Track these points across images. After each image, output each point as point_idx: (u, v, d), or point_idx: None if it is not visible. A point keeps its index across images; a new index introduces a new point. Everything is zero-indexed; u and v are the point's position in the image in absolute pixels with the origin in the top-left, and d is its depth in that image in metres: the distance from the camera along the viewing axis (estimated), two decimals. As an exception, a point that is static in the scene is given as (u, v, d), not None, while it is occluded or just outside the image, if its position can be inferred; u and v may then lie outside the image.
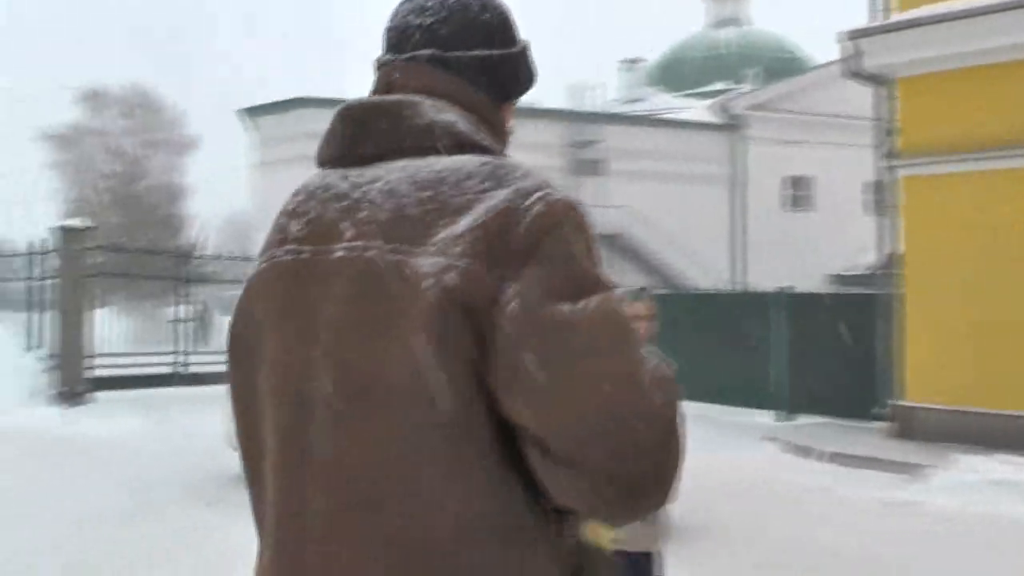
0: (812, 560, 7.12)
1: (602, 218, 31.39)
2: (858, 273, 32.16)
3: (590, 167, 32.02)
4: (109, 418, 13.70)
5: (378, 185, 1.31)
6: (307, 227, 1.35)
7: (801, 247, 32.51)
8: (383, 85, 1.45)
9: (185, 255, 19.67)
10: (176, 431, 12.97)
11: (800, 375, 14.73)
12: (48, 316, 15.73)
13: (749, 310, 16.03)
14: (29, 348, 15.95)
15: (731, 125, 34.39)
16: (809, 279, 27.14)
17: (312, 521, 1.25)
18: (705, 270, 30.34)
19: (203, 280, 20.31)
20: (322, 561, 1.25)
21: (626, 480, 1.18)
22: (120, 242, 22.20)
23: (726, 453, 11.15)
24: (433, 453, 1.20)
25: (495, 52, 1.45)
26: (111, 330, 17.11)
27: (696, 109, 35.71)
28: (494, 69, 1.45)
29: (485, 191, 1.27)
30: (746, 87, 36.54)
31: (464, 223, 1.24)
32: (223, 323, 19.91)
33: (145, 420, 13.74)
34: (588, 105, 32.81)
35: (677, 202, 32.34)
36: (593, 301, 1.20)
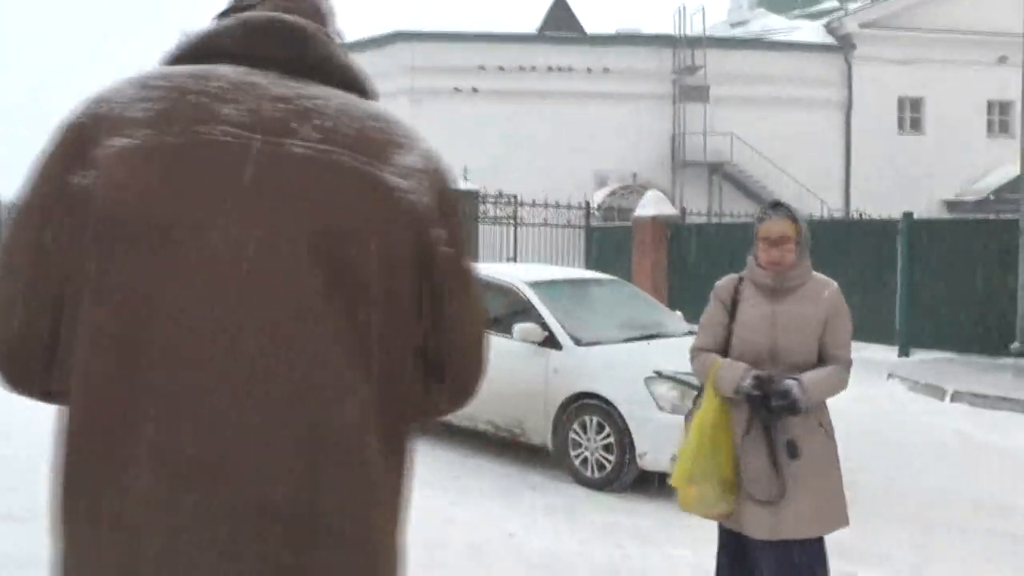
0: (964, 515, 6.33)
1: (707, 146, 30.30)
2: (976, 199, 30.52)
3: (694, 93, 30.72)
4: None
5: (333, 103, 1.39)
6: (249, 115, 1.34)
7: (913, 172, 30.86)
8: (292, 9, 1.48)
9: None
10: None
11: (922, 307, 13.73)
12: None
13: (866, 238, 14.98)
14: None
15: (840, 45, 32.54)
16: (922, 205, 25.80)
17: (236, 409, 1.25)
18: (813, 198, 29.03)
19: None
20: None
21: (465, 394, 1.57)
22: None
23: (851, 391, 10.06)
24: (374, 344, 1.33)
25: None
26: None
27: (804, 30, 33.88)
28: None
29: (410, 138, 1.45)
30: (856, 4, 34.48)
31: (411, 160, 1.41)
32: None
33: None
34: (692, 30, 31.38)
35: (784, 128, 30.85)
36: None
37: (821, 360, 3.66)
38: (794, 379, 3.53)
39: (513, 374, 7.48)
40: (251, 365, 1.24)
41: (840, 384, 3.73)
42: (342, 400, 1.29)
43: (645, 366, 6.91)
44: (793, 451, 3.56)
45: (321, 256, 1.28)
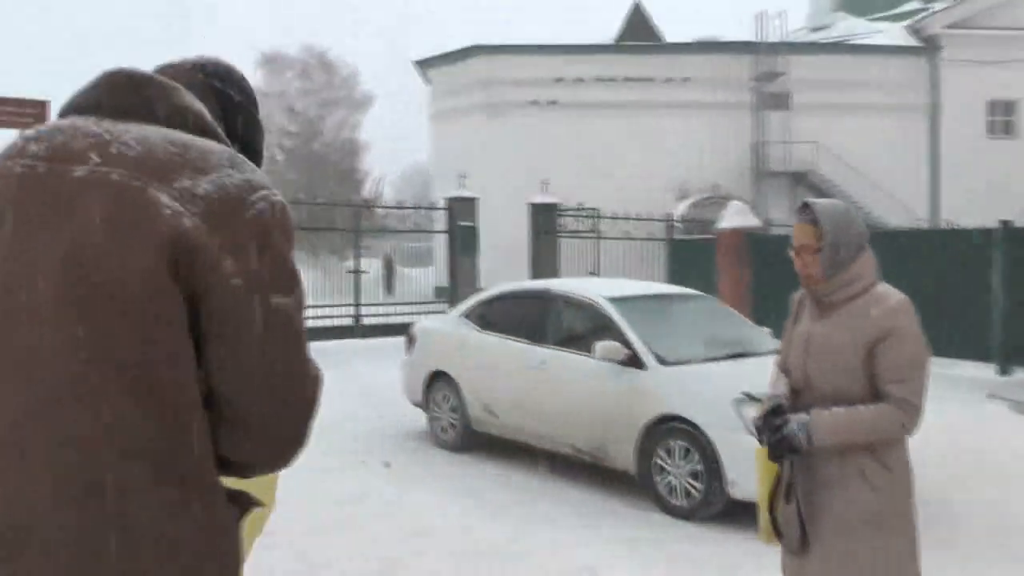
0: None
1: (790, 155, 29.60)
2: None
3: (775, 101, 30.09)
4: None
5: (132, 133, 1.44)
6: (49, 149, 1.41)
7: (1005, 178, 29.69)
8: (155, 70, 1.64)
9: (360, 206, 19.20)
10: (351, 384, 12.60)
11: (1023, 322, 12.99)
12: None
13: (959, 249, 14.13)
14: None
15: (925, 47, 31.59)
16: (1014, 213, 24.77)
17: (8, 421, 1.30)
18: (899, 206, 28.15)
19: (380, 231, 19.82)
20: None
21: (277, 443, 1.48)
22: (285, 193, 22.05)
23: (947, 415, 9.22)
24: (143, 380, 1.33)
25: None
26: None
27: (887, 33, 32.94)
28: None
29: (223, 167, 1.44)
30: (941, 4, 33.41)
31: (203, 186, 1.40)
32: (406, 274, 19.76)
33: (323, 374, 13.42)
34: (772, 35, 30.74)
35: (867, 134, 30.03)
36: (293, 298, 1.46)
37: (876, 395, 2.98)
38: (805, 414, 3.01)
39: (594, 394, 7.21)
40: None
41: (882, 428, 2.95)
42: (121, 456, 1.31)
43: (734, 387, 6.50)
44: (788, 495, 3.09)
45: (72, 281, 1.32)
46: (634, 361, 7.12)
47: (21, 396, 1.30)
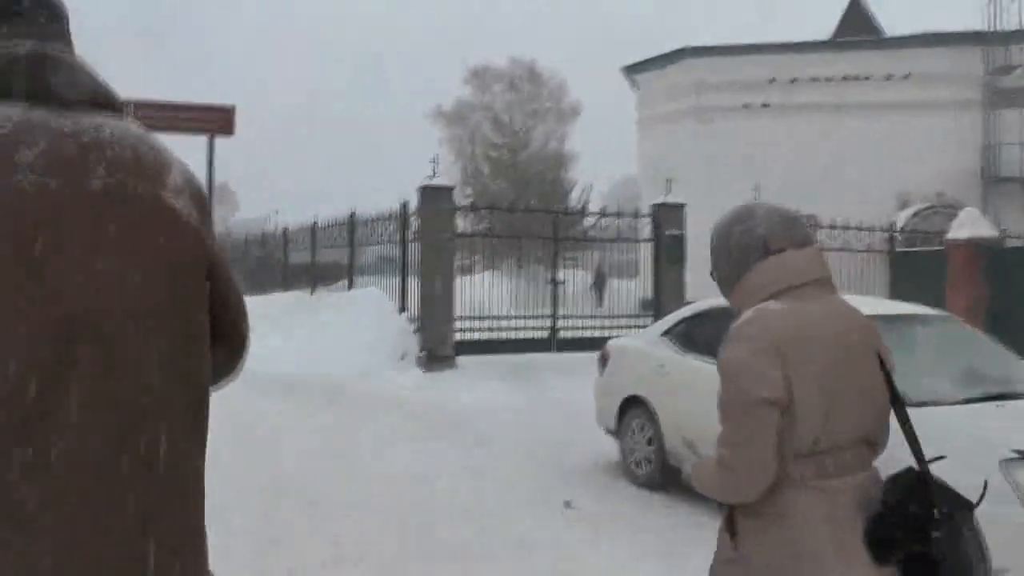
0: None
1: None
2: None
3: (1010, 98, 27.02)
4: (471, 384, 12.71)
5: (105, 132, 1.44)
6: (44, 159, 1.35)
7: None
8: (46, 38, 1.51)
9: (561, 213, 18.23)
10: (541, 402, 11.67)
11: None
12: (415, 279, 14.95)
13: None
14: (402, 310, 15.27)
15: None
16: None
17: (74, 434, 1.29)
18: None
19: (583, 240, 18.79)
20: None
21: (241, 350, 1.71)
22: (492, 202, 21.43)
23: None
24: (198, 356, 1.52)
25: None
26: (492, 294, 15.86)
27: None
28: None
29: (170, 155, 1.55)
30: None
31: (178, 180, 1.52)
32: (616, 287, 18.70)
33: (510, 387, 12.62)
34: (1007, 23, 27.71)
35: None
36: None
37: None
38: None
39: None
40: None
41: (707, 485, 2.48)
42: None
43: (1000, 441, 4.94)
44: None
45: (166, 291, 1.45)
46: (867, 399, 5.75)
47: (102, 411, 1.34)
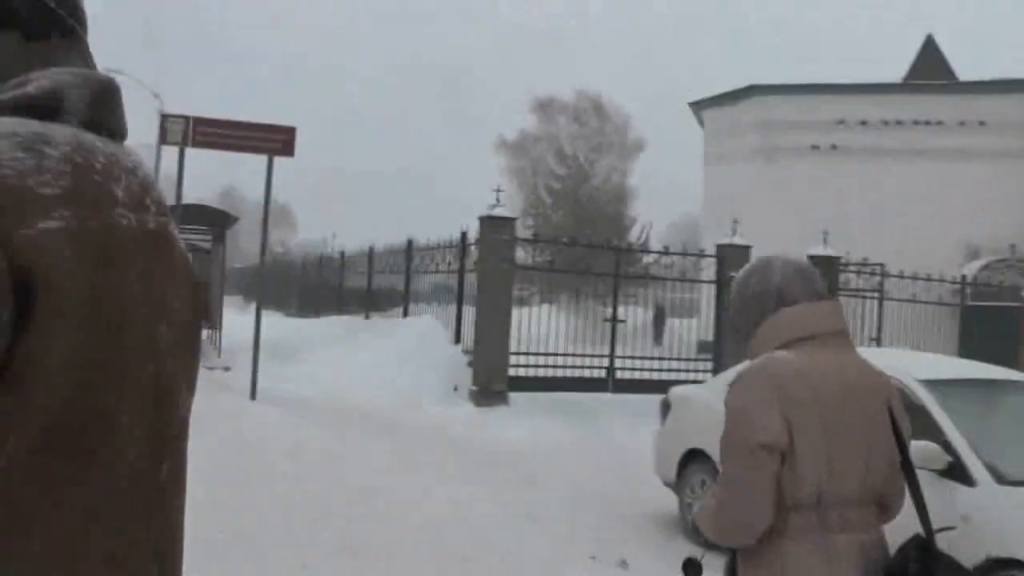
0: None
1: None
2: None
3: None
4: (523, 422, 12.23)
5: (144, 167, 1.39)
6: (126, 193, 1.32)
7: None
8: (88, 58, 1.46)
9: (622, 249, 17.72)
10: (596, 445, 11.18)
11: None
12: (472, 309, 14.49)
13: None
14: (455, 342, 14.87)
15: None
16: None
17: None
18: None
19: (643, 278, 18.23)
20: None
21: None
22: (551, 235, 21.06)
23: None
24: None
25: None
26: (549, 328, 15.04)
27: None
28: None
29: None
30: None
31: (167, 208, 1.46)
32: (674, 326, 18.13)
33: (563, 428, 12.13)
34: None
35: None
36: None
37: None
38: None
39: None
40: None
41: (706, 524, 2.52)
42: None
43: None
44: None
45: (190, 322, 1.41)
46: (958, 473, 5.21)
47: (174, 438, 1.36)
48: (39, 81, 1.34)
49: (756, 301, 2.56)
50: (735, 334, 2.69)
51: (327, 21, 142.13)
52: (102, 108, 1.38)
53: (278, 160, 11.33)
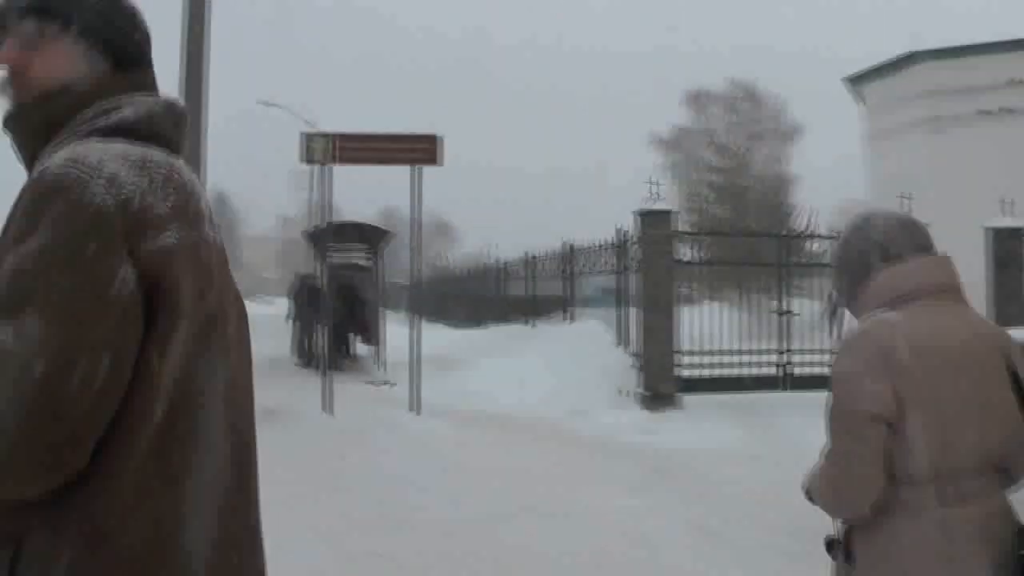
0: None
1: None
2: None
3: None
4: (694, 425, 11.48)
5: (195, 177, 1.53)
6: (207, 209, 1.50)
7: None
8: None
9: (787, 236, 16.65)
10: (775, 449, 10.35)
11: None
12: (636, 310, 13.77)
13: None
14: (618, 344, 14.21)
15: None
16: None
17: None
18: None
19: (815, 266, 17.06)
20: None
21: None
22: (713, 228, 20.18)
23: None
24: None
25: None
26: (716, 325, 14.22)
27: None
28: None
29: None
30: None
31: None
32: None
33: (738, 430, 11.31)
34: None
35: None
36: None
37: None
38: None
39: None
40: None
41: (814, 487, 2.35)
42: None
43: None
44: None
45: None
46: None
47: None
48: (134, 107, 1.47)
49: (857, 258, 2.39)
50: (840, 296, 2.50)
51: (477, 29, 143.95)
52: (180, 131, 1.55)
53: (434, 173, 11.07)
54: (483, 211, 68.46)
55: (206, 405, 1.42)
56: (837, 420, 2.22)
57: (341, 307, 17.33)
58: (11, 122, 1.53)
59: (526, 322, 18.92)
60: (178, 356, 1.37)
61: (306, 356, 18.40)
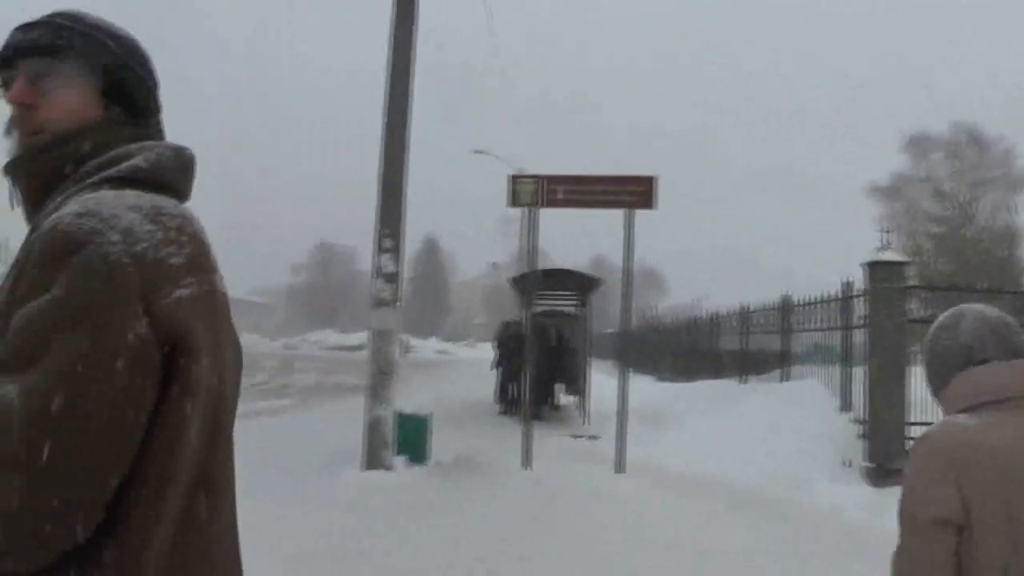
0: None
1: None
2: None
3: None
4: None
5: (200, 224, 1.48)
6: (215, 258, 1.44)
7: None
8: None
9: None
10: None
11: None
12: (860, 370, 12.23)
13: None
14: (842, 409, 12.73)
15: None
16: None
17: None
18: None
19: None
20: None
21: None
22: (945, 281, 18.33)
23: None
24: None
25: None
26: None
27: None
28: None
29: None
30: None
31: None
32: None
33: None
34: None
35: None
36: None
37: None
38: None
39: None
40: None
41: None
42: None
43: None
44: None
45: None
46: None
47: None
48: (145, 154, 1.43)
49: (944, 358, 2.34)
50: (931, 391, 2.40)
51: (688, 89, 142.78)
52: (188, 178, 1.51)
53: (648, 224, 10.26)
54: (694, 261, 66.94)
55: (222, 441, 1.42)
56: (906, 522, 2.18)
57: (546, 355, 16.69)
58: (16, 166, 1.45)
59: (739, 378, 17.65)
60: (200, 404, 1.34)
61: (508, 404, 17.84)
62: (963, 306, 2.46)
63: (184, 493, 1.32)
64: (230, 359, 1.44)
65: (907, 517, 2.17)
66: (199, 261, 1.36)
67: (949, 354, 2.32)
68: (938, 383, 2.35)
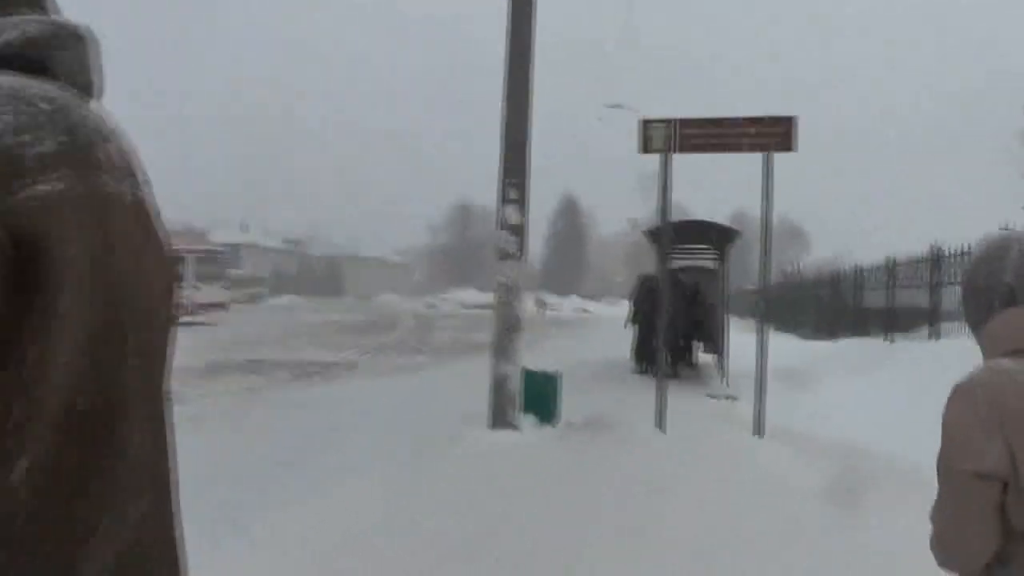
0: None
1: None
2: None
3: None
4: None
5: (111, 121, 1.23)
6: (112, 158, 1.16)
7: None
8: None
9: None
10: None
11: None
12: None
13: None
14: (1001, 372, 11.73)
15: None
16: None
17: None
18: None
19: None
20: None
21: None
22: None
23: None
24: None
25: None
26: None
27: None
28: None
29: None
30: None
31: None
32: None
33: None
34: None
35: None
36: None
37: None
38: None
39: None
40: None
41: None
42: None
43: None
44: None
45: None
46: None
47: None
48: (12, 31, 1.13)
49: (984, 295, 2.08)
50: (969, 324, 2.15)
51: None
52: (80, 63, 1.18)
53: (787, 176, 9.54)
54: (839, 213, 64.24)
55: (116, 407, 1.04)
56: (946, 475, 1.97)
57: (683, 312, 16.08)
58: None
59: (885, 336, 16.61)
60: (71, 339, 1.01)
61: (643, 362, 17.31)
62: (1010, 234, 2.17)
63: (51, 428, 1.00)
64: (133, 281, 1.10)
65: (945, 470, 1.98)
66: (79, 156, 1.05)
67: (990, 290, 2.08)
68: (977, 318, 2.12)
